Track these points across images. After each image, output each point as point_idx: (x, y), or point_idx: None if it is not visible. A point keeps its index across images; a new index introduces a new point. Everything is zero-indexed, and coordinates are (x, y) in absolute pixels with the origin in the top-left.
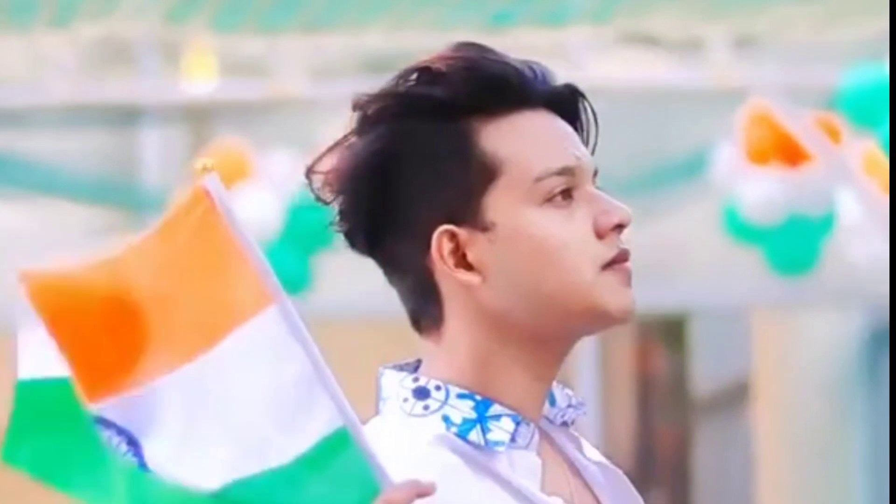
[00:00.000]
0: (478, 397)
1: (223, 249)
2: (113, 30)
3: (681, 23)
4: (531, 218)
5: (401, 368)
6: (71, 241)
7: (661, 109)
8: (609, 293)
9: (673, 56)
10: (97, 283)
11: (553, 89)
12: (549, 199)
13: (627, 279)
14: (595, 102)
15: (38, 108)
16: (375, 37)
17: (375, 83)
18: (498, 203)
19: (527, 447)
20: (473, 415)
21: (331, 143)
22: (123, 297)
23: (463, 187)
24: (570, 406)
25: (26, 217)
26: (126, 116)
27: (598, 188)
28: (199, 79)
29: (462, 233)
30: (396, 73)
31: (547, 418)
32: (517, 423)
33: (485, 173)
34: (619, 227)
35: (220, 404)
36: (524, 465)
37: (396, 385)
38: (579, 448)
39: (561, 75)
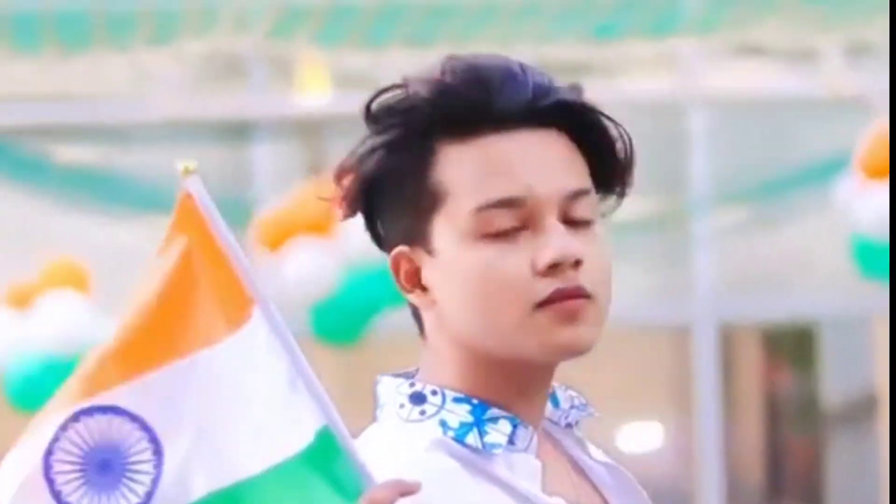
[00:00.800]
0: (474, 401)
1: (207, 253)
2: (215, 46)
3: (791, 32)
4: (466, 252)
5: (398, 375)
6: None
7: (775, 119)
8: (541, 333)
9: (785, 66)
10: None
11: (534, 107)
12: (489, 233)
13: (564, 317)
14: (707, 113)
15: (142, 124)
16: (480, 49)
17: None
18: (443, 231)
19: (526, 450)
20: (470, 418)
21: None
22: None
23: (416, 211)
24: (573, 407)
25: (134, 235)
26: (237, 132)
27: (573, 217)
28: (312, 93)
29: (416, 254)
30: (379, 90)
31: (551, 420)
32: (515, 426)
33: (432, 200)
34: (555, 265)
35: (216, 407)
36: (523, 468)
37: (393, 391)
38: (584, 450)
39: (671, 85)
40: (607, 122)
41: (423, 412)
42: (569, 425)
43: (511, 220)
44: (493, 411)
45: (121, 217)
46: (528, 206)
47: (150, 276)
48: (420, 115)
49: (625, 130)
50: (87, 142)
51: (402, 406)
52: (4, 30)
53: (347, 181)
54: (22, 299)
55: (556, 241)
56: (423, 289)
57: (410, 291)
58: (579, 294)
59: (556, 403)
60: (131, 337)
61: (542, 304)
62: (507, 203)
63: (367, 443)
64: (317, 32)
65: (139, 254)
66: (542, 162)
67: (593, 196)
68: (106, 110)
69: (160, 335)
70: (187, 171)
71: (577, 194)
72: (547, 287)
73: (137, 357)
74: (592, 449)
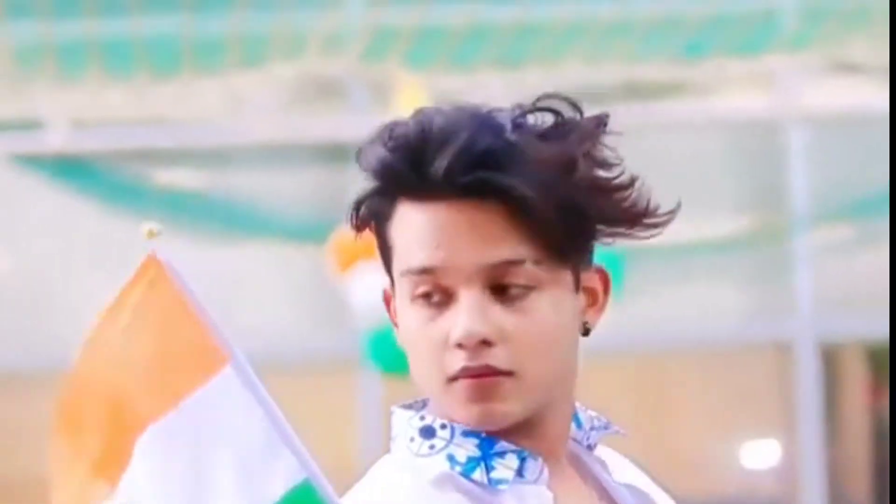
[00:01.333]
0: (483, 434)
1: (175, 313)
2: (306, 68)
3: (886, 48)
4: (404, 309)
5: (411, 406)
6: (278, 281)
7: (873, 135)
8: (455, 404)
9: (881, 81)
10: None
11: (452, 183)
12: (417, 296)
13: (472, 395)
14: (805, 129)
15: (238, 147)
16: (571, 69)
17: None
18: (395, 282)
19: (536, 482)
20: (478, 452)
21: None
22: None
23: (384, 258)
24: (593, 429)
25: (232, 258)
26: (334, 154)
27: (503, 285)
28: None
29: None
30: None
31: (575, 440)
32: (522, 459)
33: (388, 252)
34: (461, 345)
35: (190, 468)
36: (534, 501)
37: (405, 424)
38: (606, 470)
39: (768, 102)
40: (533, 191)
41: (432, 446)
42: (590, 447)
43: (432, 288)
44: (501, 445)
45: (220, 240)
46: (444, 277)
47: (118, 338)
48: (379, 175)
49: (552, 189)
50: (185, 165)
51: (412, 440)
52: (96, 56)
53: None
54: None
55: (462, 320)
56: None
57: (396, 326)
58: (485, 373)
59: (578, 424)
60: (133, 403)
61: (453, 379)
62: (423, 272)
63: (377, 476)
64: (408, 54)
65: (239, 276)
66: (463, 233)
67: (529, 265)
68: (202, 134)
69: (147, 399)
70: (151, 234)
71: (503, 265)
72: (456, 363)
73: (136, 421)
74: (615, 469)
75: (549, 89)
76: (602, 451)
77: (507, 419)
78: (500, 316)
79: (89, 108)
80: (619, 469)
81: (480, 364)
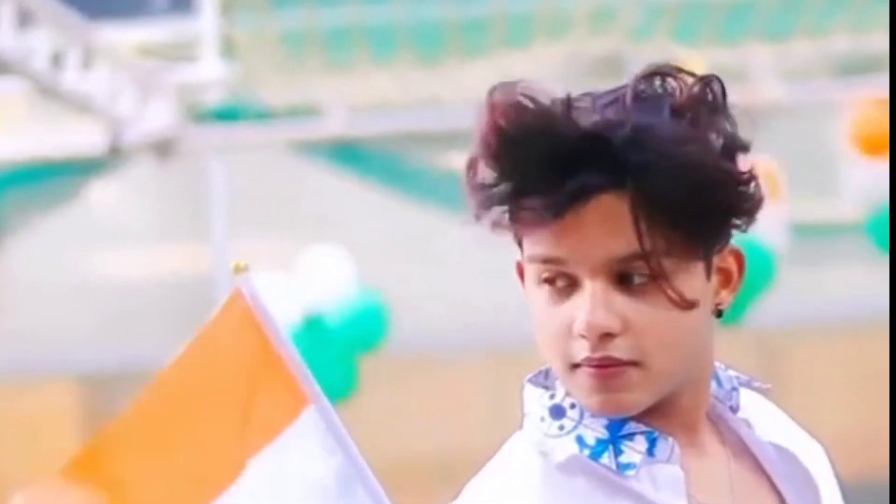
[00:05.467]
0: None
1: (259, 352)
2: (573, 47)
3: None
4: (531, 291)
5: (539, 381)
6: None
7: None
8: (578, 392)
9: None
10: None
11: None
12: (542, 282)
13: (595, 384)
14: None
15: None
16: (838, 40)
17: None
18: (525, 261)
19: (668, 460)
20: (606, 434)
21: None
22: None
23: (518, 239)
24: (734, 389)
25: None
26: None
27: (630, 275)
28: None
29: None
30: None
31: (717, 398)
32: (652, 441)
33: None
34: (584, 335)
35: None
36: (666, 480)
37: (535, 402)
38: (752, 429)
39: None
40: (671, 172)
41: (561, 427)
42: (732, 409)
43: (556, 275)
44: (630, 426)
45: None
46: (568, 266)
47: (205, 375)
48: (499, 168)
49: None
50: (460, 148)
51: (542, 419)
52: (362, 42)
53: None
54: None
55: (584, 312)
56: None
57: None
58: (608, 364)
59: (719, 383)
60: (215, 446)
61: (577, 366)
62: (548, 261)
63: (507, 459)
64: (675, 29)
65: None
66: (588, 224)
67: (656, 257)
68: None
69: (231, 444)
70: (238, 269)
71: (629, 258)
72: (579, 352)
73: (221, 469)
74: (764, 426)
75: (817, 61)
76: (754, 405)
77: (633, 409)
78: (624, 306)
79: (360, 94)
80: (769, 427)
81: (603, 355)
